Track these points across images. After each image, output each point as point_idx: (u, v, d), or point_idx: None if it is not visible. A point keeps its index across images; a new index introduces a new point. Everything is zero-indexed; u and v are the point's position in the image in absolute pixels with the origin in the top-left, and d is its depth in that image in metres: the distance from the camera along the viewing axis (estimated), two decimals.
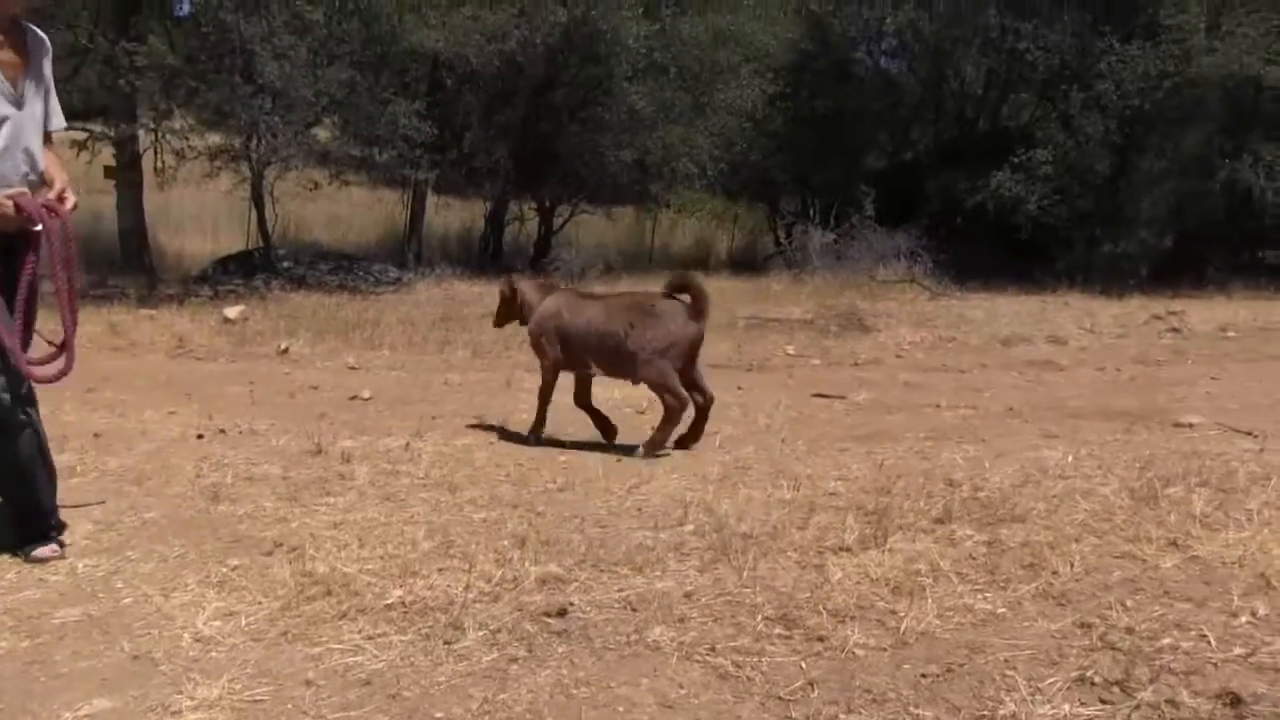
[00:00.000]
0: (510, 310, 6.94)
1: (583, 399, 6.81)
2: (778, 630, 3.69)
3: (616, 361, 6.30)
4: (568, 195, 22.27)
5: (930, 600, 3.83)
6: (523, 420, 7.39)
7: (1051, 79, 21.03)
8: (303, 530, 4.79)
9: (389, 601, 3.92)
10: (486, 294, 15.93)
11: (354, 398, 8.19)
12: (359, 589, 4.03)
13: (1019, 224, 19.54)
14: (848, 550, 4.45)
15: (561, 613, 3.83)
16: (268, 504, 5.20)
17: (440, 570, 4.23)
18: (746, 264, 24.05)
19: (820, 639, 3.60)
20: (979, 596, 3.86)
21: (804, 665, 3.43)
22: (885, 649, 3.50)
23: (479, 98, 20.67)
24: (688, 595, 4.01)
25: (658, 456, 6.27)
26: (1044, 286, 17.88)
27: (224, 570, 4.30)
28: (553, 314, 6.50)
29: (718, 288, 17.04)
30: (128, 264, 17.23)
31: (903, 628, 3.62)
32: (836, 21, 23.65)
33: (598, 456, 6.30)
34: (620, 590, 4.05)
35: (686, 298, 6.23)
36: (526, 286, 6.87)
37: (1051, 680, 3.16)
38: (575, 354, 6.46)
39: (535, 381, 8.95)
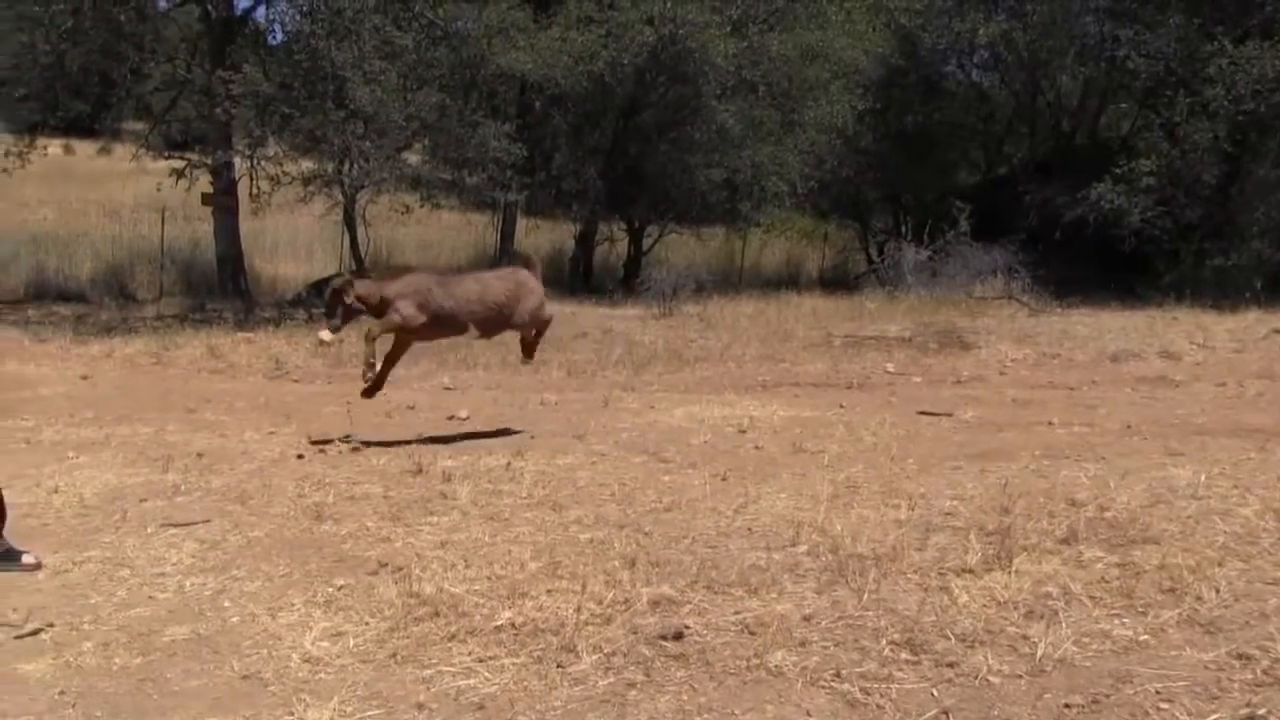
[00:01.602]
0: (349, 308, 7.20)
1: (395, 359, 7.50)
2: (904, 655, 3.52)
3: (499, 321, 7.37)
4: (657, 215, 22.22)
5: (1065, 625, 3.63)
6: (624, 439, 7.31)
7: (1155, 86, 20.42)
8: (407, 550, 4.74)
9: (498, 623, 3.83)
10: (579, 314, 15.96)
11: (451, 417, 8.19)
12: (467, 610, 3.95)
13: (1121, 237, 18.93)
14: (970, 572, 4.26)
15: (678, 636, 3.70)
16: (370, 523, 5.18)
17: (549, 591, 4.13)
18: (838, 282, 23.76)
19: (950, 665, 3.42)
20: (1116, 622, 3.64)
21: (935, 693, 3.26)
22: (1021, 676, 3.31)
23: (567, 119, 20.76)
24: (807, 618, 3.86)
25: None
26: (1149, 301, 17.30)
27: (330, 590, 4.26)
28: (425, 287, 7.11)
29: (810, 307, 16.91)
30: (224, 289, 17.56)
31: (1038, 654, 3.42)
32: (926, 35, 23.30)
33: (701, 476, 6.17)
34: (736, 613, 3.91)
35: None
36: (366, 281, 7.43)
37: (1216, 716, 2.94)
38: (452, 321, 7.19)
39: (634, 400, 8.97)
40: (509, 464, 6.32)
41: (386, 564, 4.52)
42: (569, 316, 15.74)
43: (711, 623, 3.82)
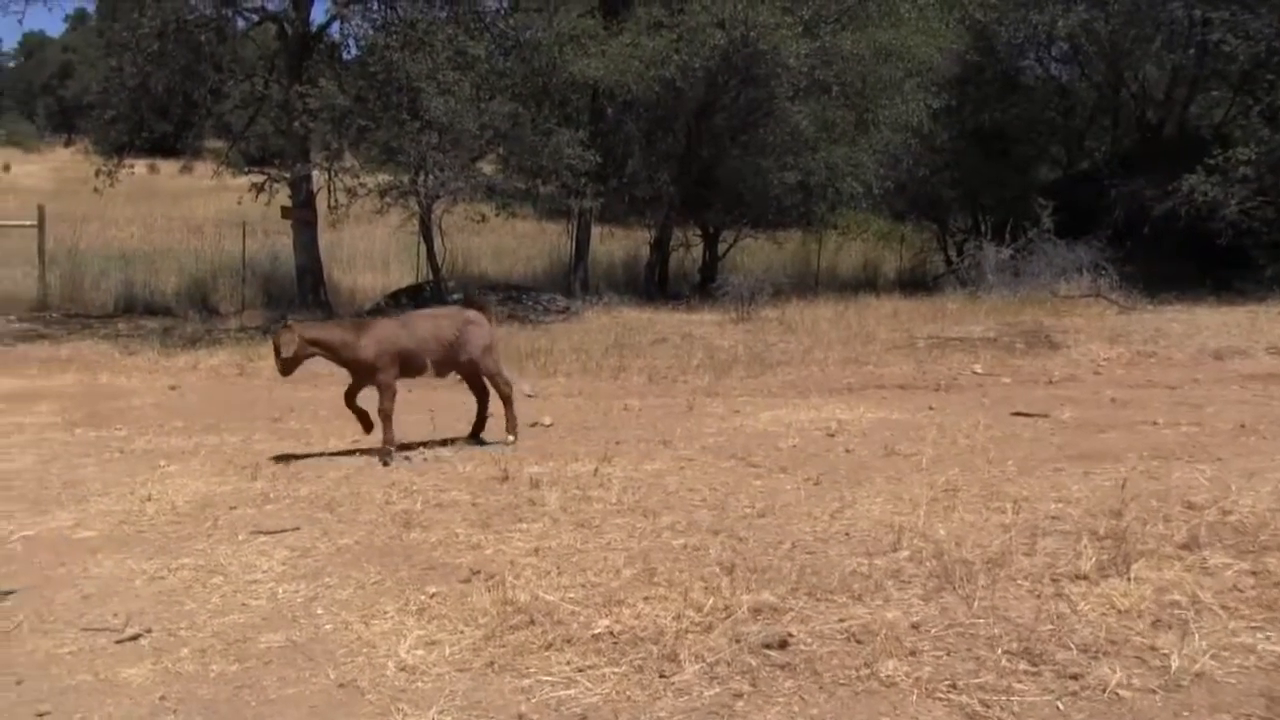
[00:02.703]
0: (296, 357, 7.04)
1: (351, 399, 7.40)
2: (1023, 666, 3.35)
3: (450, 360, 7.36)
4: (731, 220, 22.02)
5: (1198, 637, 3.43)
6: (711, 444, 7.18)
7: (1253, 70, 19.66)
8: (499, 557, 4.66)
9: (596, 631, 3.73)
10: (657, 320, 15.87)
11: (534, 424, 8.11)
12: (563, 618, 3.85)
13: (1216, 230, 18.22)
14: (1085, 578, 4.07)
15: (782, 644, 3.57)
16: (460, 530, 5.11)
17: (646, 599, 4.02)
18: (916, 284, 23.34)
19: (1074, 677, 3.25)
20: (1259, 635, 3.43)
21: (1061, 706, 3.09)
22: (1155, 691, 3.13)
23: (640, 125, 20.65)
24: (915, 626, 3.70)
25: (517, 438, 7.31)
26: (1248, 296, 16.65)
27: (422, 598, 4.19)
28: (394, 336, 7.17)
29: (890, 308, 16.61)
30: (304, 300, 17.72)
31: (1172, 668, 3.23)
32: (1002, 29, 22.79)
33: (793, 480, 6.02)
34: (841, 620, 3.77)
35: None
36: (324, 326, 7.58)
37: None
38: (414, 360, 7.21)
39: (718, 405, 8.85)
40: (596, 470, 6.22)
41: (478, 571, 4.45)
42: (646, 322, 15.72)
43: (816, 630, 3.68)
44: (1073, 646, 3.44)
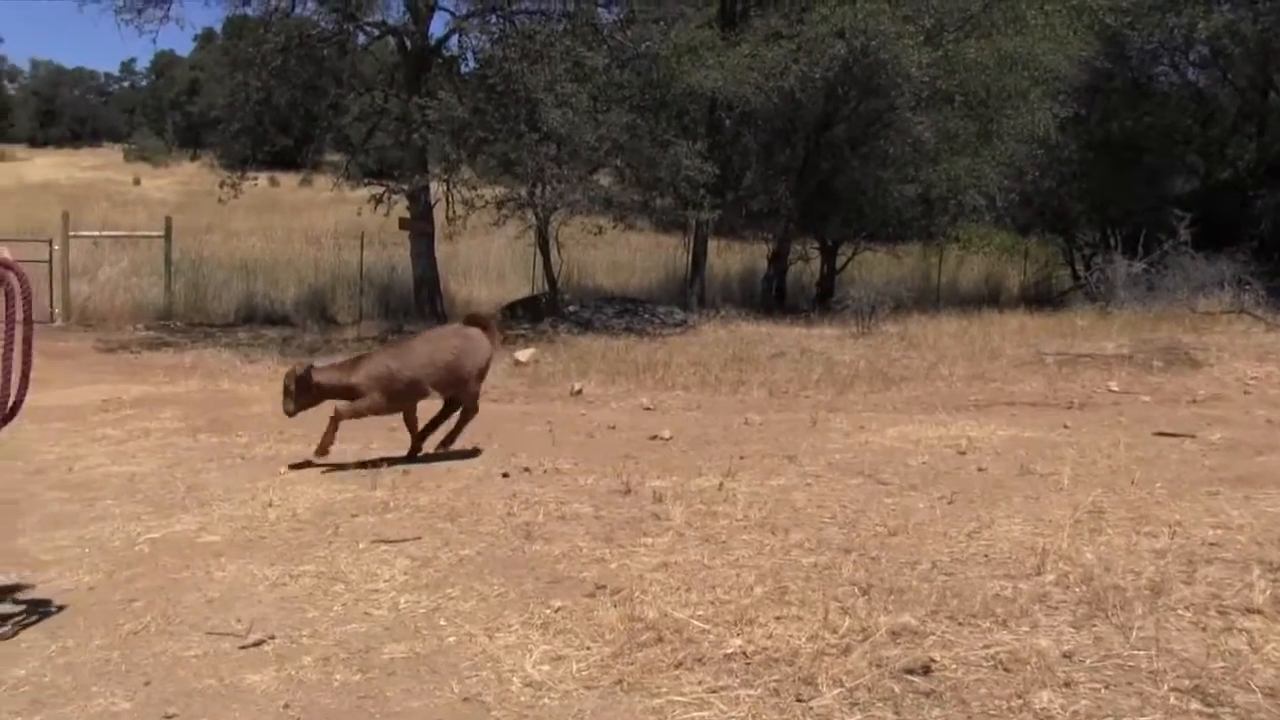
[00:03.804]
0: (308, 395, 7.10)
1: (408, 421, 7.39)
2: (1195, 706, 3.13)
3: (451, 380, 7.28)
4: (850, 233, 21.75)
5: None
6: (837, 460, 7.00)
7: None
8: (624, 572, 4.56)
9: (728, 651, 3.60)
10: (775, 334, 15.72)
11: (654, 438, 8.02)
12: (693, 636, 3.73)
13: None
14: (1259, 612, 3.81)
15: (925, 670, 3.40)
16: (583, 544, 5.03)
17: (778, 618, 3.88)
18: (1041, 299, 22.75)
19: None
20: None
21: None
22: None
23: (758, 137, 20.55)
24: (1067, 655, 3.50)
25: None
26: None
27: (547, 611, 4.11)
28: (387, 371, 7.09)
29: (1016, 324, 16.16)
30: (421, 311, 17.99)
31: None
32: (1135, 34, 22.09)
33: (925, 498, 5.81)
34: (986, 646, 3.58)
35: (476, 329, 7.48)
36: (328, 370, 7.33)
37: None
38: (415, 389, 7.17)
39: (842, 420, 8.66)
40: (721, 485, 6.10)
41: (604, 586, 4.36)
42: (764, 336, 15.57)
43: (960, 657, 3.50)
44: (1256, 690, 3.20)
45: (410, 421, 7.39)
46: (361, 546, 5.14)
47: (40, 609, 4.41)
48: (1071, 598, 4.05)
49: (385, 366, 7.16)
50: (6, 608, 4.42)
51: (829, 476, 6.48)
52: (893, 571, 4.43)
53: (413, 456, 7.32)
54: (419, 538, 5.24)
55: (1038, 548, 4.66)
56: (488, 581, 4.54)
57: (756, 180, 20.92)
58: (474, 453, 7.44)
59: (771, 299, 20.74)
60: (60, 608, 4.41)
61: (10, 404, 3.89)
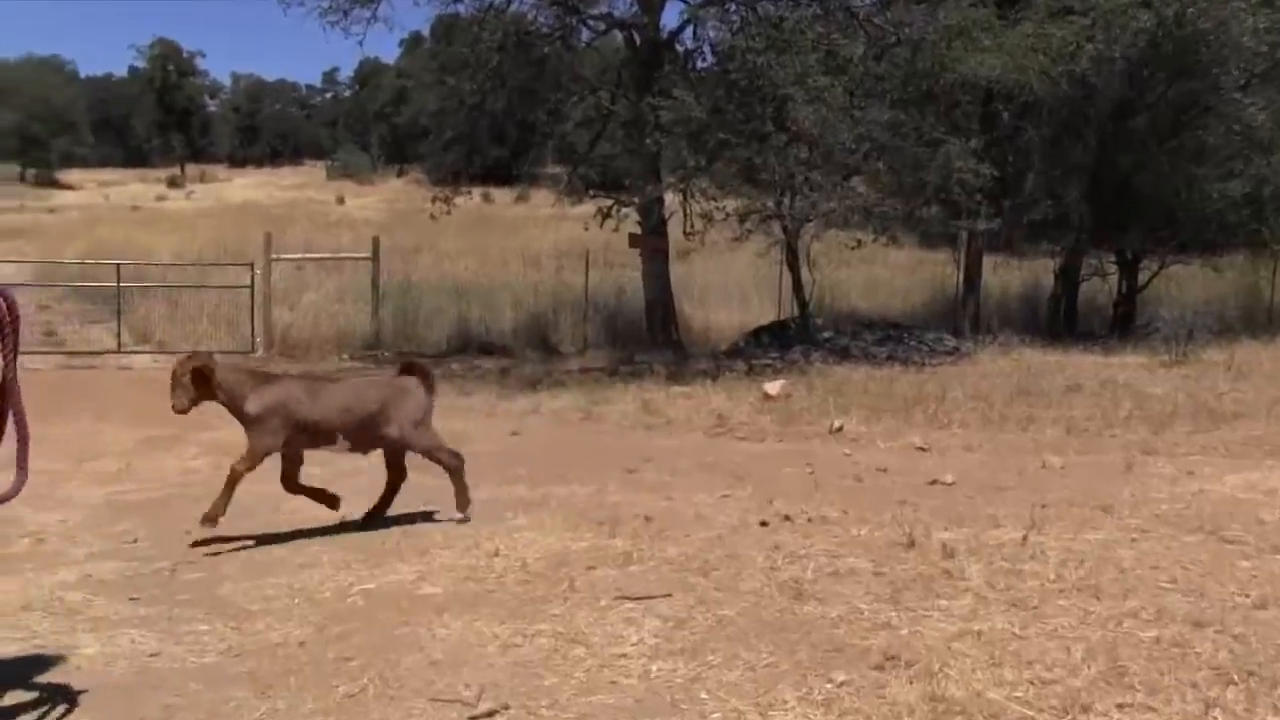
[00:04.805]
0: (205, 389, 6.73)
1: (293, 479, 7.09)
2: None
3: (371, 434, 7.07)
4: (1155, 242, 20.68)
5: None
6: (1165, 511, 6.56)
7: None
8: (917, 640, 4.35)
9: None
10: (1067, 363, 15.12)
11: (934, 482, 7.75)
12: None
13: None
14: None
15: None
16: (863, 605, 4.84)
17: (1120, 706, 3.61)
18: None
19: None
20: None
21: None
22: None
23: (1042, 131, 19.80)
24: None
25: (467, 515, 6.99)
26: None
27: (829, 686, 3.95)
28: (294, 397, 6.86)
29: None
30: (654, 338, 18.11)
31: None
32: None
33: None
34: None
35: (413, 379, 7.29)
36: (229, 367, 7.01)
37: None
38: (320, 433, 6.93)
39: (1164, 465, 8.17)
40: (1025, 538, 5.79)
41: (895, 656, 4.15)
42: (1054, 365, 14.99)
43: None
44: None
45: (288, 473, 7.06)
46: (603, 603, 5.09)
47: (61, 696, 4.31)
48: None
49: (293, 395, 6.94)
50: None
51: (1158, 532, 6.08)
52: (1269, 656, 4.05)
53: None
54: (669, 595, 5.15)
55: None
56: (754, 647, 4.40)
57: (1039, 183, 20.17)
58: (427, 515, 7.30)
59: (1059, 322, 19.98)
60: (79, 693, 4.31)
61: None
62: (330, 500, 7.24)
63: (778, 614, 4.82)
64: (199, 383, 6.70)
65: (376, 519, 7.19)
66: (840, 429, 10.60)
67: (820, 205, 16.32)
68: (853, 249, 17.94)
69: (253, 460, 6.79)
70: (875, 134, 16.36)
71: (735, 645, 4.44)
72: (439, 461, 7.26)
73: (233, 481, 6.74)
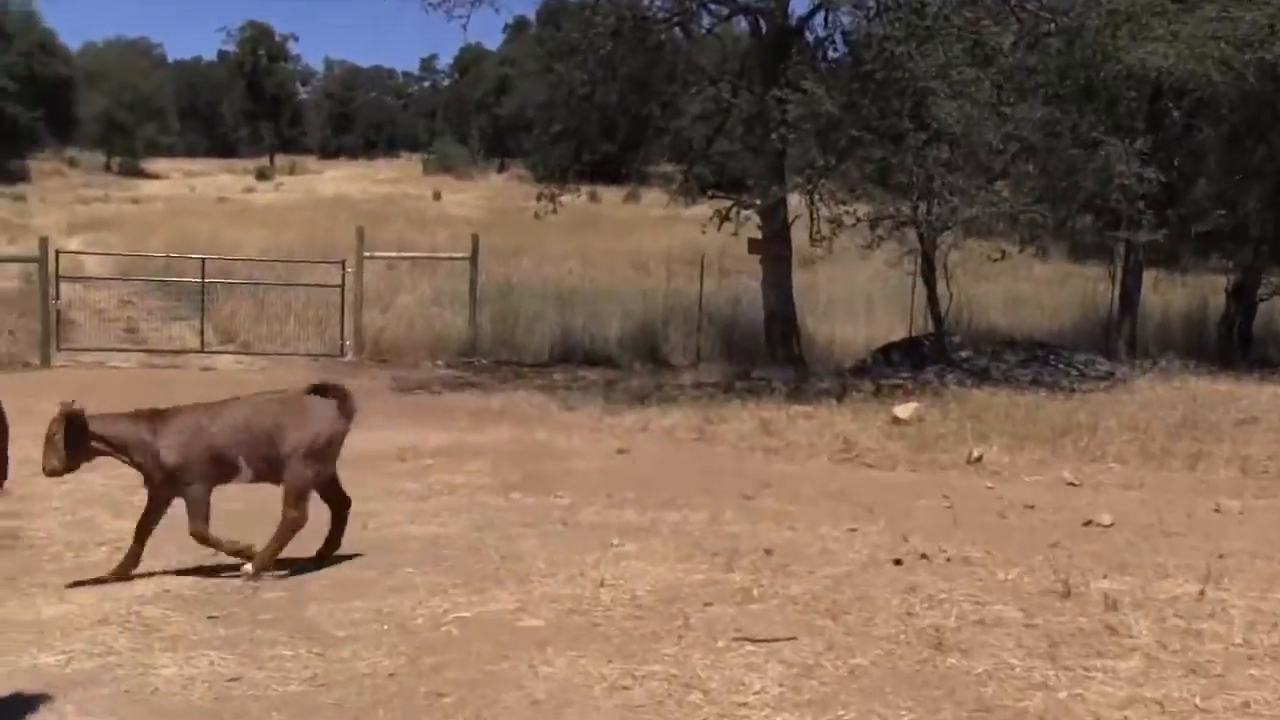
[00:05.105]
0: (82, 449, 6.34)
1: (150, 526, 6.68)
2: None
3: (270, 455, 6.63)
4: None
5: None
6: None
7: None
8: (1078, 705, 4.21)
9: None
10: (1240, 393, 14.72)
11: (1089, 523, 7.53)
12: None
13: None
14: None
15: None
16: (1014, 660, 4.69)
17: None
18: None
19: None
20: None
21: None
22: None
23: (1219, 131, 19.23)
24: None
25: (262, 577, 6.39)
26: None
27: None
28: (193, 431, 6.53)
29: None
30: (773, 353, 17.92)
31: None
32: None
33: None
34: None
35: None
36: (109, 419, 6.56)
37: None
38: (221, 460, 6.57)
39: None
40: (1202, 593, 5.55)
41: None
42: (1224, 396, 14.64)
43: None
44: None
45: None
46: (720, 645, 4.99)
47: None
48: None
49: (197, 424, 6.62)
50: None
51: None
52: None
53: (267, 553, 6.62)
54: (794, 638, 5.04)
55: None
56: (891, 703, 4.27)
57: (1212, 190, 19.62)
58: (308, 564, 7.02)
59: (1231, 347, 19.37)
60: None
61: None
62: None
63: (917, 665, 4.67)
64: (75, 439, 6.33)
65: (326, 559, 6.80)
66: (980, 459, 10.40)
67: (961, 211, 15.97)
68: (995, 260, 17.59)
69: (202, 514, 6.54)
70: (1025, 133, 15.97)
71: (870, 700, 4.32)
72: (285, 508, 6.62)
73: (204, 540, 6.56)
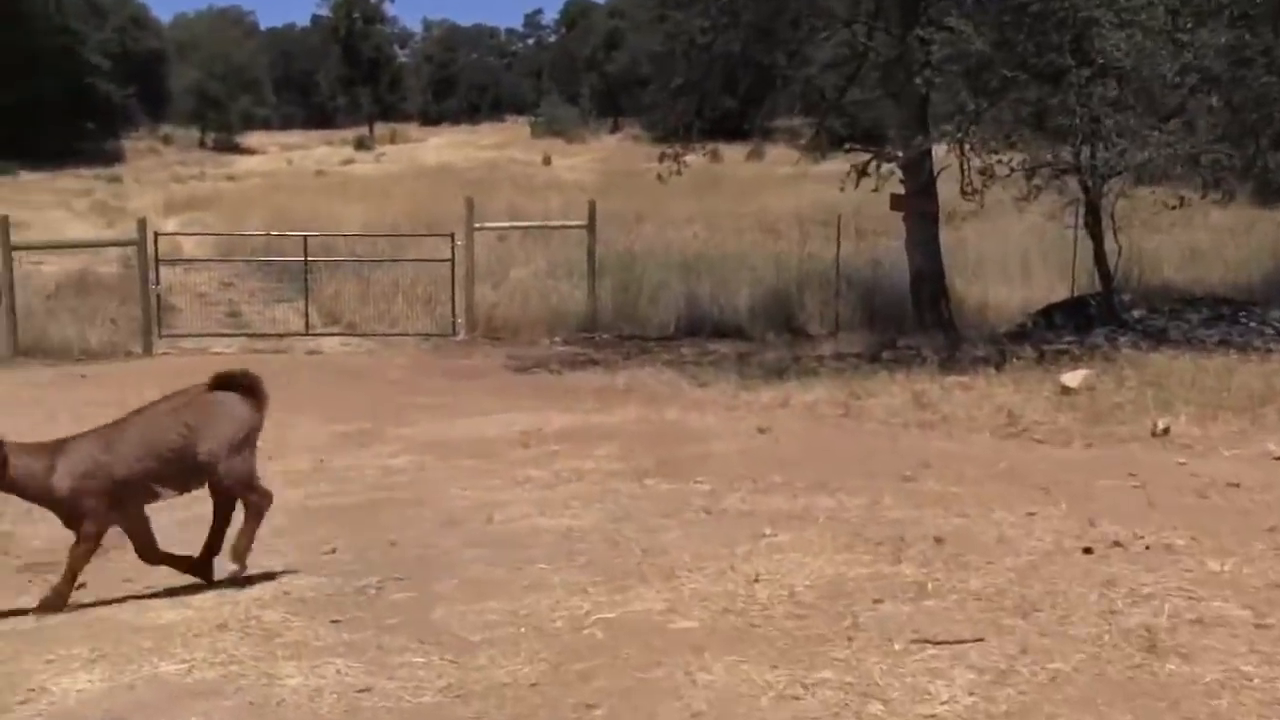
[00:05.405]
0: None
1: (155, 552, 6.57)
2: None
3: (186, 470, 6.44)
4: None
5: None
6: None
7: None
8: None
9: None
10: None
11: None
12: None
13: None
14: None
15: None
16: (1248, 668, 4.44)
17: None
18: None
19: None
20: None
21: None
22: None
23: None
24: None
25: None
26: None
27: None
28: (92, 457, 6.29)
29: None
30: (921, 319, 17.67)
31: None
32: None
33: None
34: None
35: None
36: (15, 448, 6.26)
37: None
38: (139, 490, 6.38)
39: None
40: None
41: None
42: None
43: None
44: None
45: (147, 549, 6.54)
46: (898, 647, 4.80)
47: None
48: None
49: (91, 458, 6.33)
50: None
51: None
52: None
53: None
54: (981, 639, 4.82)
55: None
56: (1105, 715, 4.05)
57: None
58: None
59: None
60: None
61: None
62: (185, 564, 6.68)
63: (1129, 672, 4.42)
64: None
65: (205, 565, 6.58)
66: (1166, 431, 9.99)
67: (1131, 155, 15.49)
68: (1173, 208, 17.09)
69: (87, 552, 6.36)
70: (1207, 62, 15.43)
71: (1079, 712, 4.08)
72: (245, 502, 6.59)
73: (74, 568, 6.34)
